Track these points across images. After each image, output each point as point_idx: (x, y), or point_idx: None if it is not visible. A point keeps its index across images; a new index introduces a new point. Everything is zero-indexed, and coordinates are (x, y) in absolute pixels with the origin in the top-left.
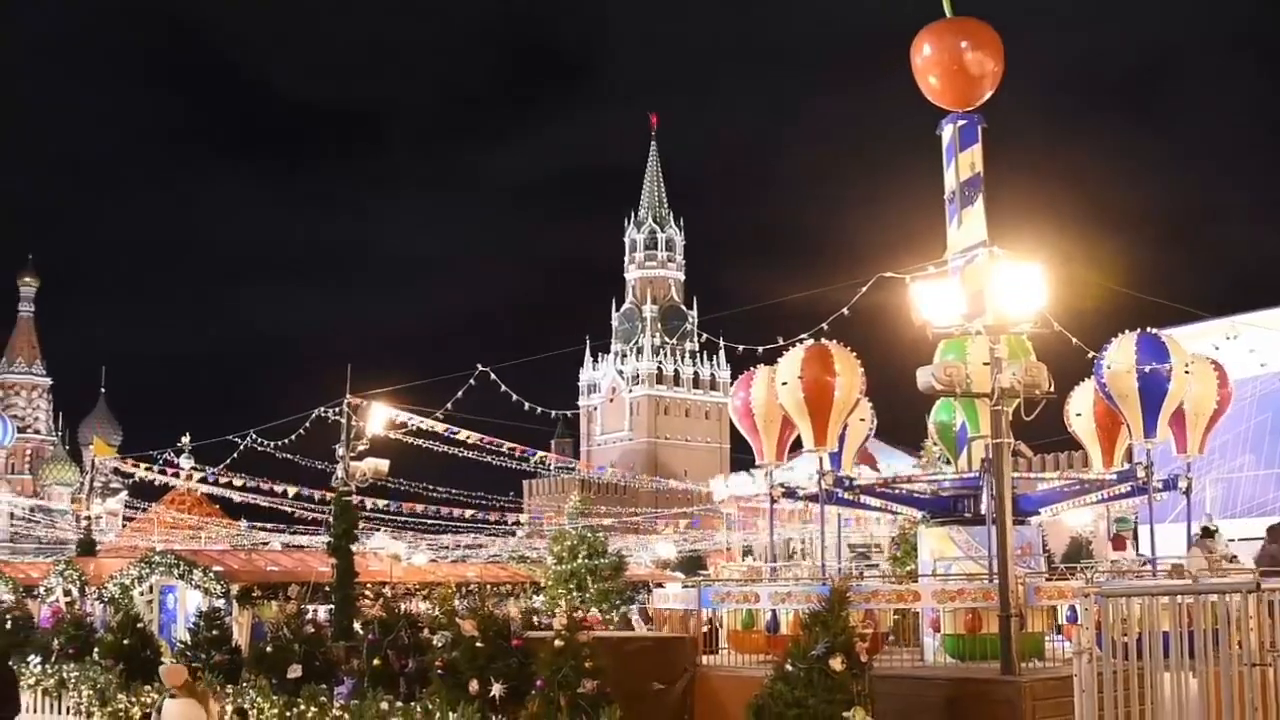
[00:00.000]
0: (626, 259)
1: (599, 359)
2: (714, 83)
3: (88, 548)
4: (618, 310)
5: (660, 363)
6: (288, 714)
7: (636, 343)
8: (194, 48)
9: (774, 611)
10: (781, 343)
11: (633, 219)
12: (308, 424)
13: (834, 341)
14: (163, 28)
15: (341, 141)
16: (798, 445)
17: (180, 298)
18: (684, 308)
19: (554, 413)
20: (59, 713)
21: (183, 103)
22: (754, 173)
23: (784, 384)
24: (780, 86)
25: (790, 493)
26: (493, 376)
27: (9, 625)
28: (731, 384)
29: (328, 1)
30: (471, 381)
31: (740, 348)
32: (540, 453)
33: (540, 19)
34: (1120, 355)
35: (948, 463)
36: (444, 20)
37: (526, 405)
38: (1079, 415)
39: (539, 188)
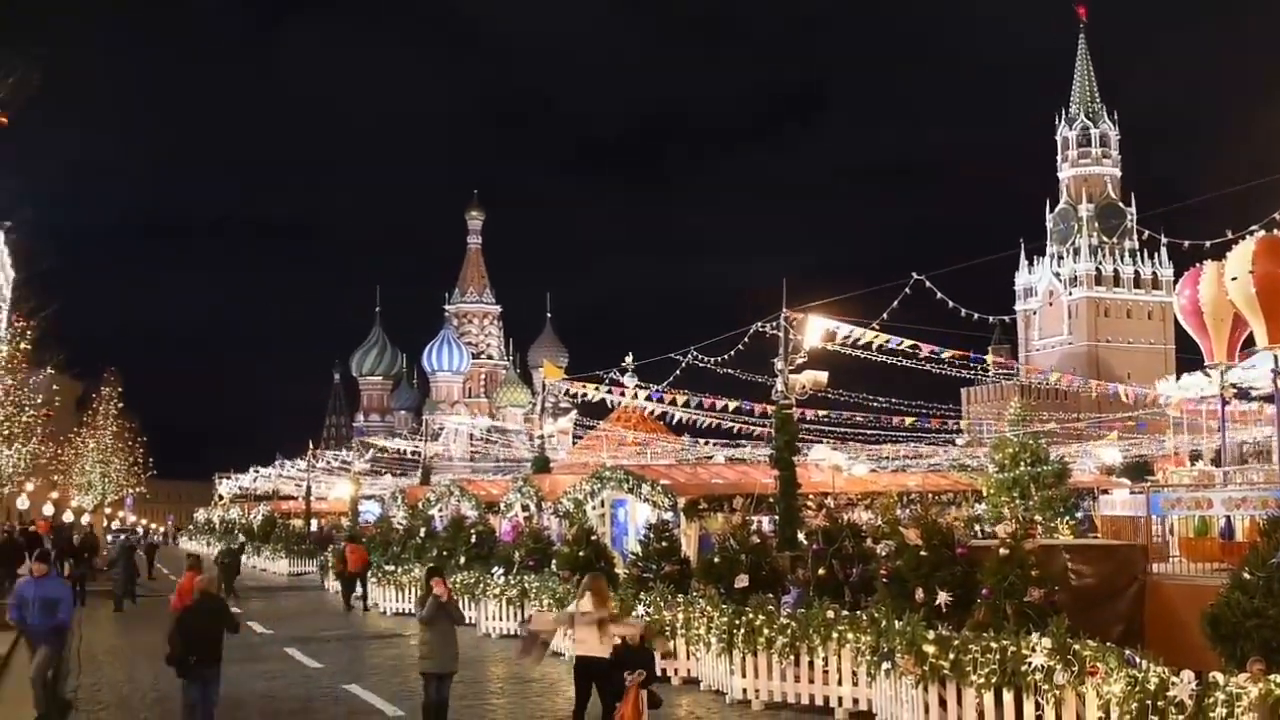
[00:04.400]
0: (1059, 158)
1: (1034, 262)
2: None
3: (542, 465)
4: (1051, 211)
5: (1099, 263)
6: (736, 623)
7: (1073, 243)
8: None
9: (1228, 518)
10: (1230, 236)
11: (1063, 116)
12: (746, 339)
13: None
14: (527, 99)
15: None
16: (1250, 343)
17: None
18: (1121, 205)
19: (991, 318)
20: (522, 620)
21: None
22: (1192, 58)
23: (1234, 279)
24: None
25: (1243, 393)
26: (927, 284)
27: (474, 539)
28: (1176, 282)
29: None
30: (907, 290)
31: (1185, 243)
32: (986, 357)
33: None
34: None
35: None
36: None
37: (963, 312)
38: None
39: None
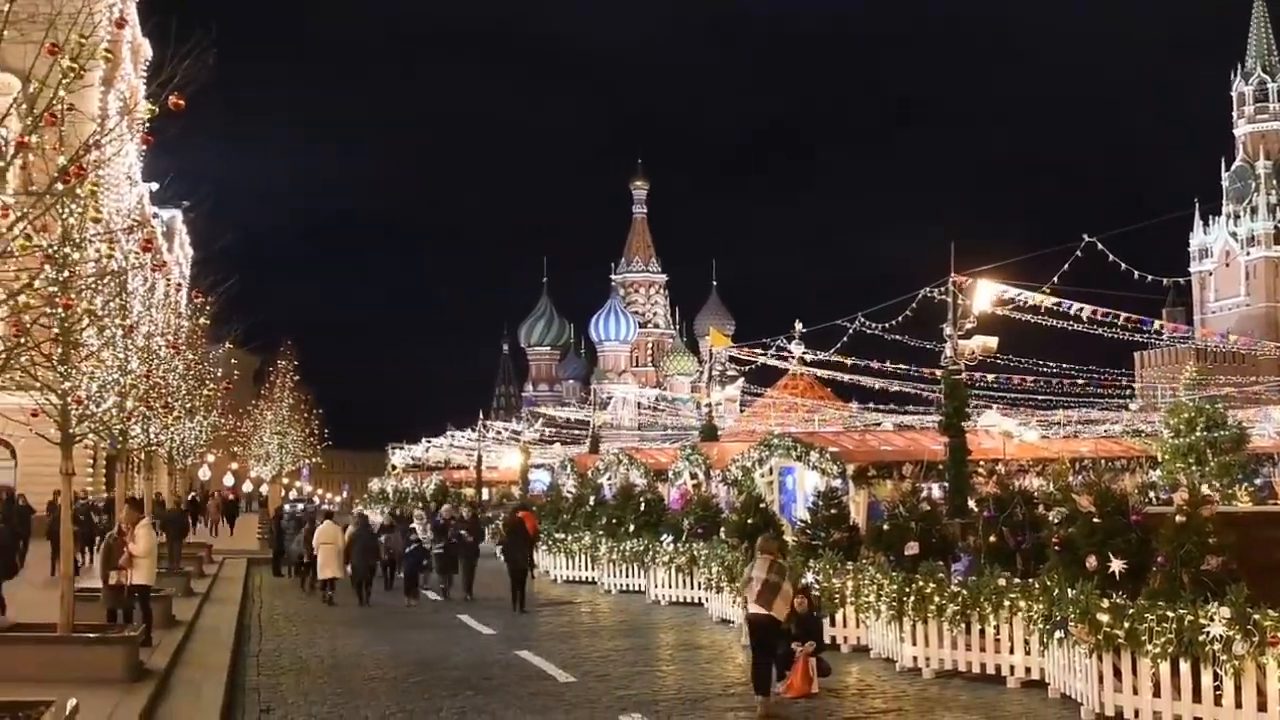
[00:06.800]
0: (1234, 114)
1: (1209, 222)
2: None
3: (710, 433)
4: (1227, 170)
5: (1278, 222)
6: (906, 590)
7: (1250, 202)
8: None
9: None
10: None
11: (1239, 71)
12: (914, 305)
13: None
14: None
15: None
16: None
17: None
18: None
19: (1164, 281)
20: (691, 587)
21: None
22: None
23: None
24: None
25: None
26: (1099, 246)
27: (643, 507)
28: None
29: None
30: (1078, 253)
31: None
32: (1158, 321)
33: None
34: None
35: None
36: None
37: (1136, 274)
38: None
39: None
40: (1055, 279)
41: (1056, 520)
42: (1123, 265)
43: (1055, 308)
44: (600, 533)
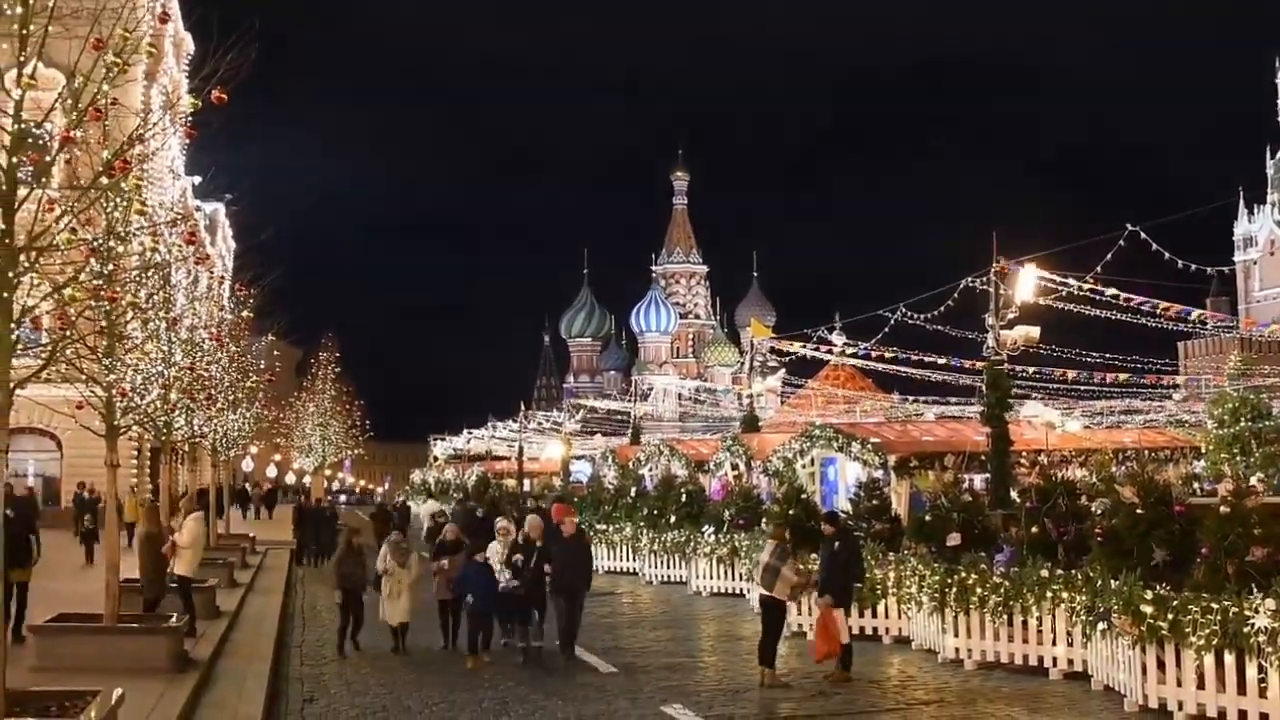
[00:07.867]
0: (1279, 101)
1: (1255, 210)
2: None
3: (751, 424)
4: (1272, 158)
5: None
6: (948, 581)
7: None
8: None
9: None
10: None
11: None
12: (956, 295)
13: None
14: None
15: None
16: None
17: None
18: None
19: (1208, 270)
20: (732, 578)
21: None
22: None
23: None
24: None
25: None
26: (1143, 235)
27: (685, 498)
28: None
29: None
30: (1121, 243)
31: None
32: (1198, 311)
33: None
34: None
35: None
36: None
37: (1180, 264)
38: None
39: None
40: (1099, 268)
41: (1099, 511)
42: (1166, 254)
43: (1098, 297)
44: (641, 524)
